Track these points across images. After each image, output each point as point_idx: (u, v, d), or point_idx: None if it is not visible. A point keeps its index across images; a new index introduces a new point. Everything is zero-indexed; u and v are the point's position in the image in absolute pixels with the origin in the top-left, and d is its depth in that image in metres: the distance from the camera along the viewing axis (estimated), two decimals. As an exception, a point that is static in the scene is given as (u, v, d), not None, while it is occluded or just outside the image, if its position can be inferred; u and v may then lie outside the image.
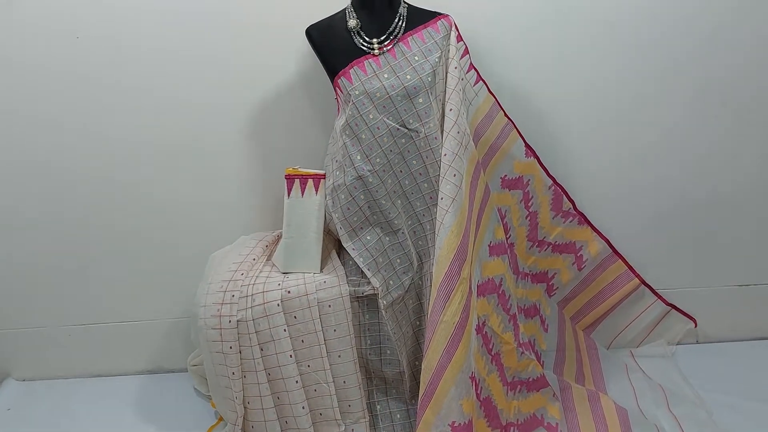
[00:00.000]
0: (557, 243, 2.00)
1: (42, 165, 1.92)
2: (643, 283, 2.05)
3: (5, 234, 2.00)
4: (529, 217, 1.95)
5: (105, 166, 1.93)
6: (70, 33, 1.78)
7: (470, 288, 1.54)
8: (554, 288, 2.06)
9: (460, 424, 1.47)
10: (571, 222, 1.98)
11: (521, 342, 1.73)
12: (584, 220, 1.99)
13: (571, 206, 1.97)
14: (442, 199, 1.53)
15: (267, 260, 1.79)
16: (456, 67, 1.61)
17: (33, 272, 2.04)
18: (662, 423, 1.75)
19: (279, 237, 1.83)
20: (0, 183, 1.94)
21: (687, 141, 1.95)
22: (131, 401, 2.03)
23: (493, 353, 1.66)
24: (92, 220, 1.99)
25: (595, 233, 2.00)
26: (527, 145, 1.87)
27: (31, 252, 2.02)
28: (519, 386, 1.74)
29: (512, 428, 1.68)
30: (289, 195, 1.68)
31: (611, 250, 2.02)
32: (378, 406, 1.77)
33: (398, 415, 1.76)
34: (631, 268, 2.03)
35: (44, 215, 1.98)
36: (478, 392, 1.57)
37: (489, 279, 1.68)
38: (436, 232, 1.52)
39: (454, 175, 1.53)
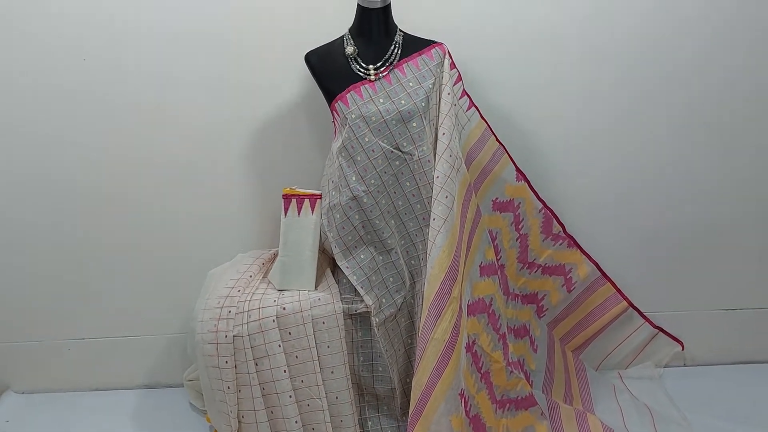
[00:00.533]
0: (547, 265, 2.04)
1: (44, 181, 1.97)
2: (631, 305, 2.08)
3: (7, 249, 2.04)
4: (519, 240, 2.00)
5: (106, 183, 1.98)
6: (77, 55, 1.84)
7: (460, 307, 1.58)
8: (544, 309, 2.09)
9: (449, 439, 1.51)
10: (560, 245, 2.03)
11: (510, 361, 1.76)
12: (573, 243, 2.03)
13: (561, 229, 2.01)
14: (434, 219, 1.57)
15: (263, 278, 1.82)
16: (449, 93, 1.67)
17: (33, 287, 2.08)
18: (648, 442, 1.79)
19: (275, 255, 1.86)
20: (3, 198, 1.99)
21: (675, 167, 2.00)
22: (128, 415, 2.06)
23: (482, 371, 1.69)
24: (93, 237, 2.03)
25: (584, 256, 2.04)
26: (518, 169, 1.92)
27: (31, 267, 2.06)
28: (508, 404, 1.77)
29: (501, 445, 1.72)
30: (285, 214, 1.73)
31: (600, 273, 2.06)
32: (369, 423, 1.79)
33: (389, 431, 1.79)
34: (619, 291, 2.07)
35: (45, 231, 2.02)
36: (467, 409, 1.60)
37: (479, 299, 1.72)
38: (428, 252, 1.56)
39: (446, 197, 1.58)
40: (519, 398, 1.79)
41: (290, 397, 1.66)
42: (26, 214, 2.00)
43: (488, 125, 1.86)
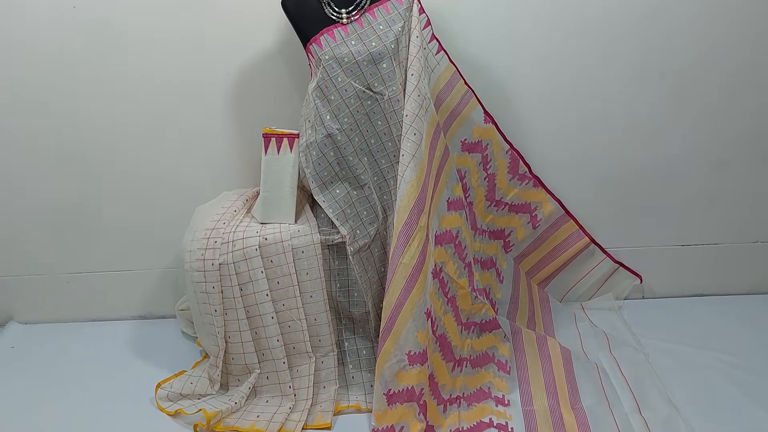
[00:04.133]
0: (513, 203, 2.16)
1: (43, 127, 2.06)
2: (593, 241, 2.21)
3: (9, 190, 2.14)
4: (487, 179, 2.10)
5: (100, 129, 2.07)
6: (68, 2, 1.92)
7: (427, 236, 1.71)
8: (510, 245, 2.22)
9: (415, 352, 1.65)
10: (526, 184, 2.14)
11: (475, 287, 1.89)
12: (539, 182, 2.14)
13: (527, 170, 2.12)
14: (403, 155, 1.68)
15: (247, 212, 1.94)
16: (417, 36, 1.76)
17: (35, 225, 2.18)
18: (602, 363, 1.92)
19: (258, 193, 1.95)
20: (3, 141, 2.08)
21: (631, 111, 2.09)
22: (125, 343, 2.17)
23: (448, 296, 1.82)
24: (90, 180, 2.13)
25: (548, 195, 2.15)
26: (486, 112, 2.02)
27: (33, 207, 2.16)
28: (473, 327, 1.91)
29: (465, 362, 1.86)
30: (266, 152, 1.82)
31: (563, 211, 2.17)
32: (346, 343, 1.93)
33: (364, 351, 1.92)
34: (581, 227, 2.19)
35: (46, 176, 2.12)
36: (434, 329, 1.74)
37: (447, 230, 1.84)
38: (398, 186, 1.68)
39: (415, 134, 1.69)
40: (483, 322, 1.92)
41: (272, 318, 1.79)
42: (26, 158, 2.10)
43: (457, 69, 1.95)
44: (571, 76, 2.06)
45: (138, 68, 2.01)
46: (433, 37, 1.90)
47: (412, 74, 1.74)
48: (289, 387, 1.82)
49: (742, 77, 2.05)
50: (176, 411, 1.77)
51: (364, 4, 1.76)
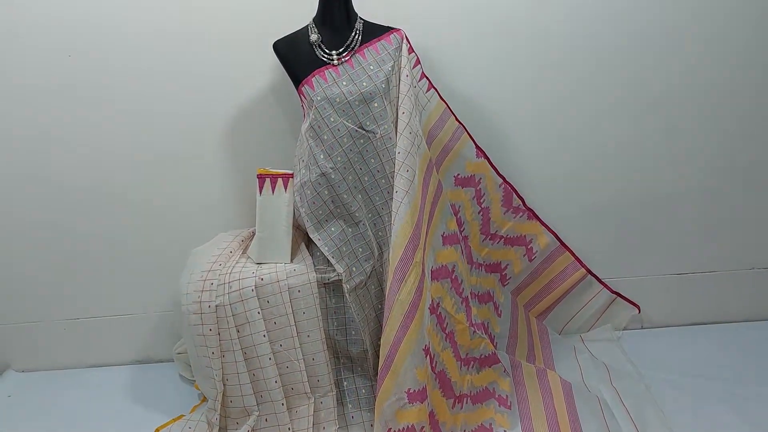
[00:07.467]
0: (509, 236, 2.16)
1: (37, 173, 2.08)
2: (590, 272, 2.20)
3: (4, 238, 2.15)
4: (481, 213, 2.12)
5: (94, 174, 2.09)
6: (63, 51, 1.96)
7: (423, 271, 1.70)
8: (507, 278, 2.22)
9: (414, 390, 1.63)
10: (521, 217, 2.15)
11: (473, 322, 1.89)
12: (533, 215, 2.15)
13: (521, 203, 2.13)
14: (396, 192, 1.69)
15: (243, 253, 1.94)
16: (408, 75, 1.80)
17: (31, 272, 2.19)
18: (604, 395, 1.91)
19: (254, 233, 1.96)
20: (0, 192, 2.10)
21: (625, 141, 2.12)
22: (122, 389, 2.16)
23: (447, 332, 1.82)
24: (85, 224, 2.14)
25: (543, 227, 2.16)
26: (477, 147, 2.04)
27: (28, 253, 2.17)
28: (472, 362, 1.90)
29: (465, 399, 1.84)
30: (260, 193, 1.84)
31: (559, 243, 2.18)
32: (345, 383, 1.91)
33: (363, 390, 1.90)
34: (577, 259, 2.19)
35: (40, 220, 2.13)
36: (433, 366, 1.73)
37: (442, 265, 1.84)
38: (392, 222, 1.68)
39: (408, 171, 1.71)
40: (482, 357, 1.91)
41: (270, 359, 1.78)
42: (23, 207, 2.11)
43: (447, 106, 1.98)
44: (564, 107, 2.09)
45: (132, 111, 2.03)
46: (423, 75, 1.94)
47: (404, 112, 1.76)
48: (289, 429, 1.80)
49: (735, 106, 2.09)
50: (174, 457, 1.75)
51: (355, 46, 1.79)
